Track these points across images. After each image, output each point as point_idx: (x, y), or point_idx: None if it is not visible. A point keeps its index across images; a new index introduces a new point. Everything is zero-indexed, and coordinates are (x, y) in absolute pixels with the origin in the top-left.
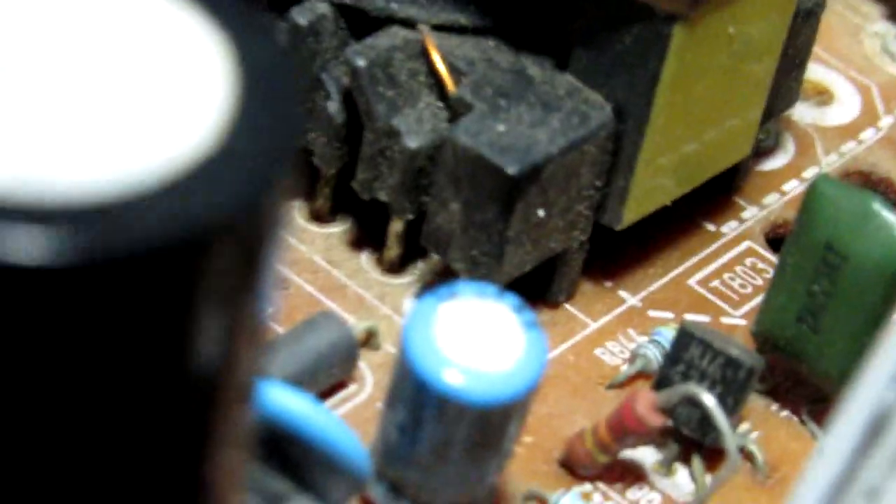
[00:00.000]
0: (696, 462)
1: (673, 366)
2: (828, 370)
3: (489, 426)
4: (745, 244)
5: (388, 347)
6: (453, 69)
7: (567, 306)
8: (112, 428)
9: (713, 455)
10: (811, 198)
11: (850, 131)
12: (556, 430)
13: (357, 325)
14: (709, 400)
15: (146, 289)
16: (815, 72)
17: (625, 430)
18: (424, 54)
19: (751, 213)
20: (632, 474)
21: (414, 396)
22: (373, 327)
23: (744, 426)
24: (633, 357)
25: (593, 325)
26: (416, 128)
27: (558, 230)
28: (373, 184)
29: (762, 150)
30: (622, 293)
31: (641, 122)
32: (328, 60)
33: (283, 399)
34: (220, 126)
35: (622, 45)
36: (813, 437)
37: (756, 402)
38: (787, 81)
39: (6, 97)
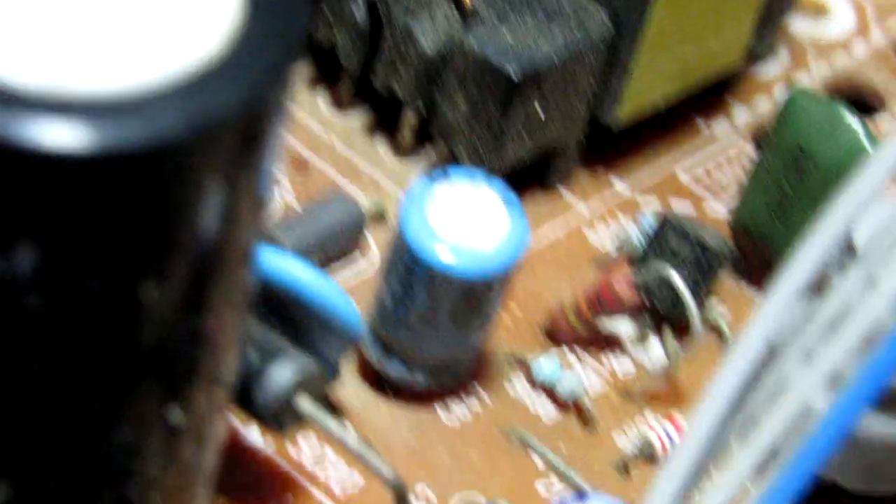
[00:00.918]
0: (668, 334)
1: (652, 249)
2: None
3: (472, 297)
4: (732, 141)
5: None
6: None
7: (563, 193)
8: (131, 280)
9: (684, 330)
10: (789, 107)
11: (843, 45)
12: (542, 303)
13: (366, 202)
14: (678, 279)
15: (162, 171)
16: None
17: (601, 303)
18: None
19: (741, 113)
20: (608, 343)
21: (407, 268)
22: (379, 203)
23: (716, 304)
24: (620, 240)
25: (586, 211)
26: (431, 32)
27: (556, 128)
28: (390, 80)
29: (756, 56)
30: (615, 182)
31: (637, 30)
32: None
33: (288, 266)
34: (231, 30)
35: None
36: None
37: (729, 283)
38: None
39: (37, 6)
